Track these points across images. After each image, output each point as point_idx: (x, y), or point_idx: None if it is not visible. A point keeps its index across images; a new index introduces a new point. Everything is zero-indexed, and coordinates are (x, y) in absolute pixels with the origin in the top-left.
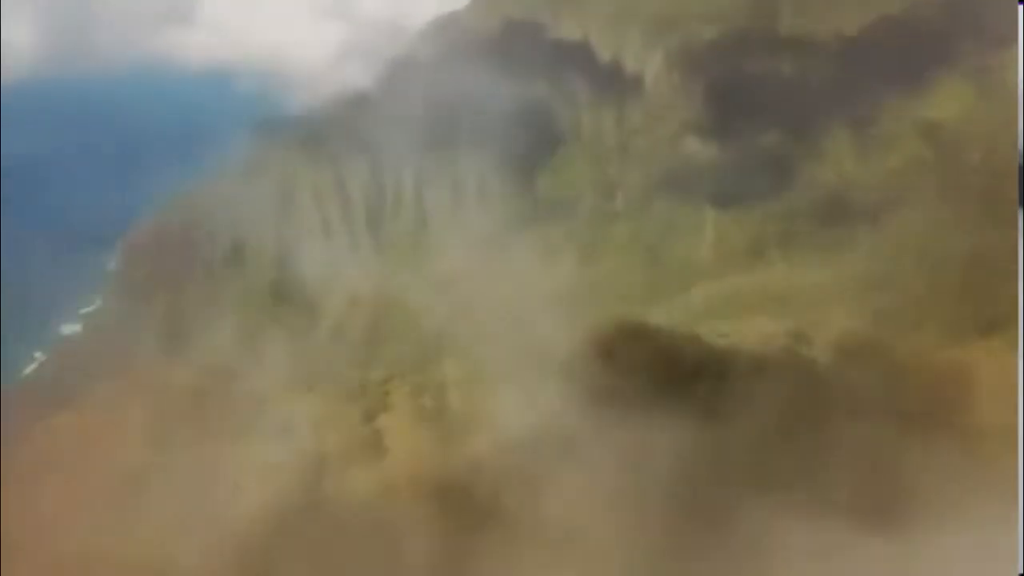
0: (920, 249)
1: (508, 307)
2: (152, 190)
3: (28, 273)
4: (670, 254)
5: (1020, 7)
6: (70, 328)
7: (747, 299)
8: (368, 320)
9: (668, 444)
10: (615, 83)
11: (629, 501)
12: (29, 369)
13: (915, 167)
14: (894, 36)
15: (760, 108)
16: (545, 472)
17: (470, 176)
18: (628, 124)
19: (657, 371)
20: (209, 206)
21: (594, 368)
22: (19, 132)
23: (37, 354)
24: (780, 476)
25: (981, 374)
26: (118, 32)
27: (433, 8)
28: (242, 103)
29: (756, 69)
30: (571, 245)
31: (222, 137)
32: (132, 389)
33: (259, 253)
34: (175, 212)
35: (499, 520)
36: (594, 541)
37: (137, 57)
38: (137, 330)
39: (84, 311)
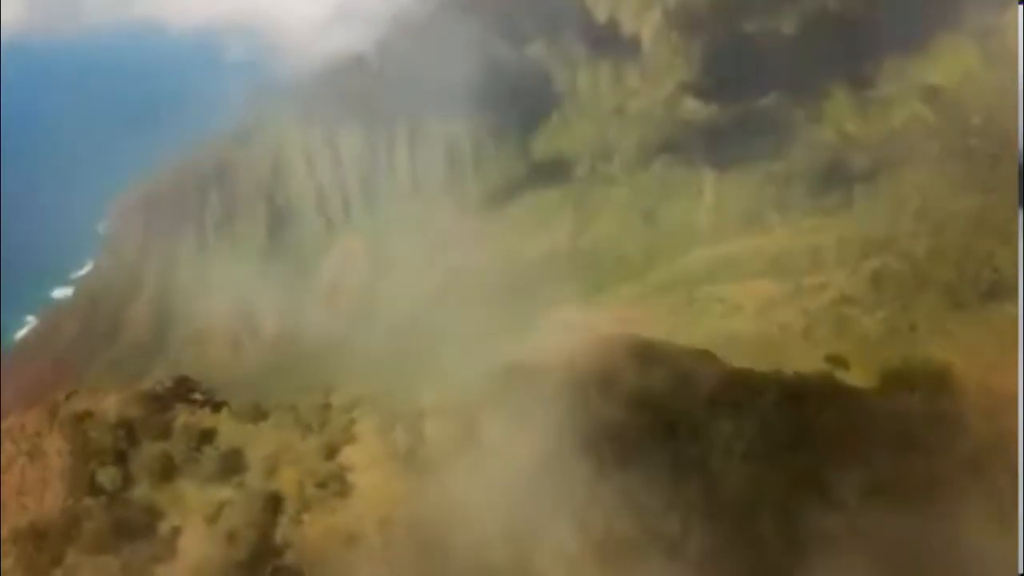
0: (920, 211)
1: (503, 271)
2: (143, 153)
3: (18, 237)
4: (668, 217)
5: (1020, 7)
6: (61, 292)
7: (746, 262)
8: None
9: (681, 492)
10: (612, 43)
11: (634, 559)
12: (21, 333)
13: (916, 128)
14: None
15: (759, 69)
16: (536, 519)
17: (464, 139)
18: (625, 85)
19: (668, 401)
20: (201, 170)
21: (594, 397)
22: (11, 96)
23: (29, 318)
24: (818, 536)
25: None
26: None
27: None
28: (234, 66)
29: (756, 29)
30: (567, 208)
31: (214, 100)
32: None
33: (251, 218)
34: (166, 176)
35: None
36: None
37: (130, 20)
38: (128, 294)
39: (75, 275)
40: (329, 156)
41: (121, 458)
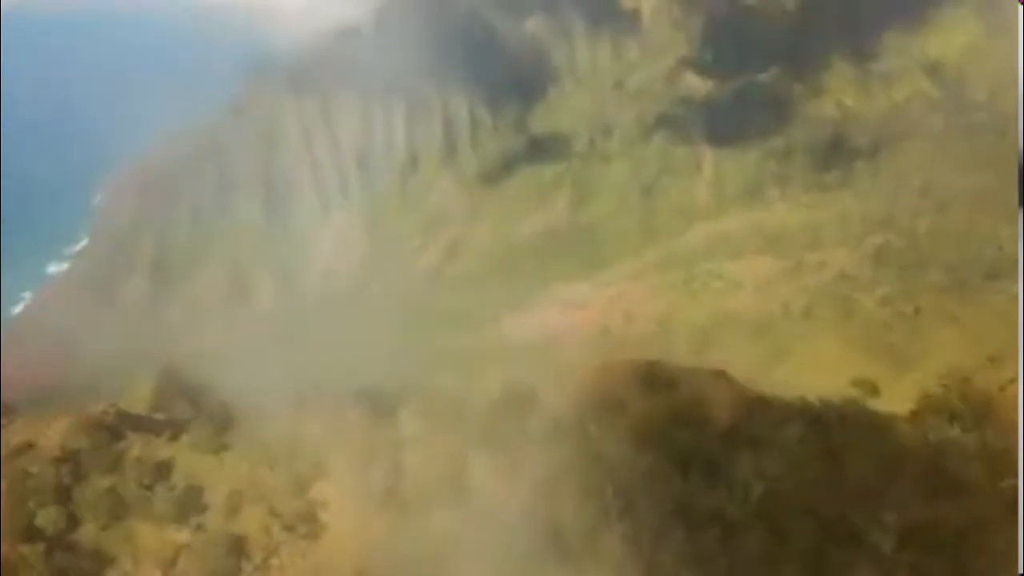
0: (922, 188)
1: (501, 247)
2: (138, 126)
3: (13, 212)
4: (666, 193)
5: (1020, 7)
6: (56, 267)
7: (745, 239)
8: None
9: (695, 542)
10: (612, 17)
11: None
12: (17, 309)
13: (918, 103)
14: None
15: (760, 43)
16: (528, 571)
17: (462, 113)
18: (624, 60)
19: (678, 435)
20: (195, 144)
21: (594, 430)
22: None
23: (24, 294)
24: None
25: None
26: None
27: None
28: (229, 38)
29: (756, 3)
30: (565, 185)
31: (208, 73)
32: None
33: (247, 193)
34: (160, 149)
35: None
36: None
37: None
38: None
39: (70, 250)
40: (324, 130)
41: (64, 496)
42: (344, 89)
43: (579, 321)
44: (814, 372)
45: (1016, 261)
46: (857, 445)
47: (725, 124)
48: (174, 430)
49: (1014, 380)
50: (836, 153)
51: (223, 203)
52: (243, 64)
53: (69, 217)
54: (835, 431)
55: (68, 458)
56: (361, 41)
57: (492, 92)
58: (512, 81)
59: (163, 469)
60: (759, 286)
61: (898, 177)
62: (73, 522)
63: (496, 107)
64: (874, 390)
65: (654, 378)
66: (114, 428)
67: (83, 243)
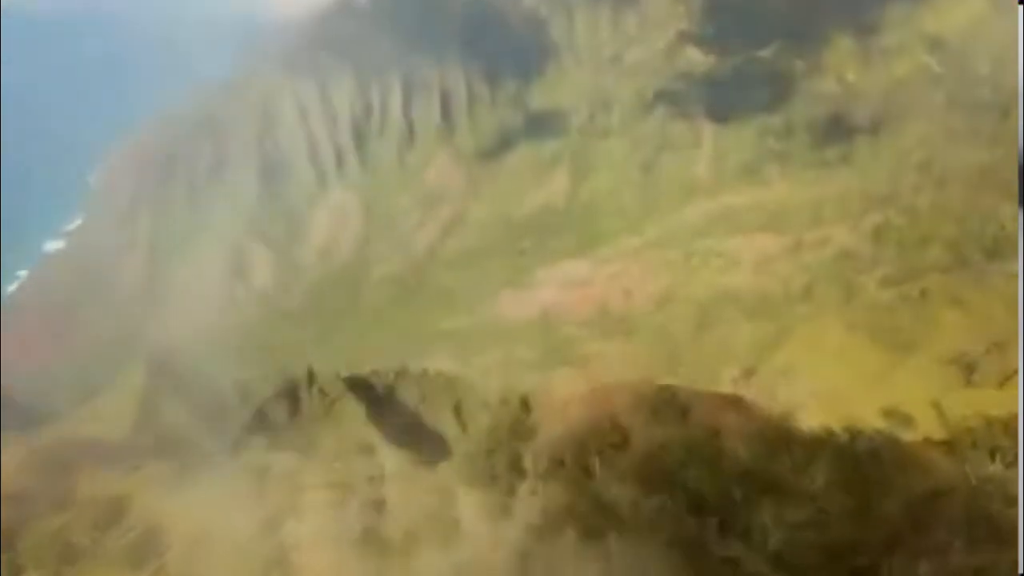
0: (924, 165)
1: (499, 225)
2: (134, 105)
3: (9, 190)
4: (666, 170)
5: (1020, 7)
6: (53, 245)
7: (745, 216)
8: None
9: None
10: None
11: None
12: (12, 287)
13: (920, 78)
14: None
15: (760, 18)
16: None
17: (459, 89)
18: (624, 34)
19: (690, 473)
20: (190, 120)
21: (596, 466)
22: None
23: (21, 272)
24: None
25: None
26: None
27: None
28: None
29: None
30: (564, 161)
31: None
32: None
33: (243, 170)
34: (157, 128)
35: None
36: None
37: None
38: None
39: (67, 228)
40: (320, 105)
41: (7, 542)
42: (340, 65)
43: (578, 299)
44: (816, 356)
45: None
46: (888, 484)
47: (725, 100)
48: (134, 461)
49: (1015, 373)
50: (836, 129)
51: (219, 181)
52: (238, 41)
53: (66, 195)
54: (864, 468)
55: (12, 497)
56: (357, 16)
57: (490, 67)
58: (510, 56)
59: (118, 507)
60: (759, 263)
61: (899, 154)
62: (16, 571)
63: (494, 82)
64: (906, 420)
65: (662, 404)
66: (65, 461)
67: (79, 221)
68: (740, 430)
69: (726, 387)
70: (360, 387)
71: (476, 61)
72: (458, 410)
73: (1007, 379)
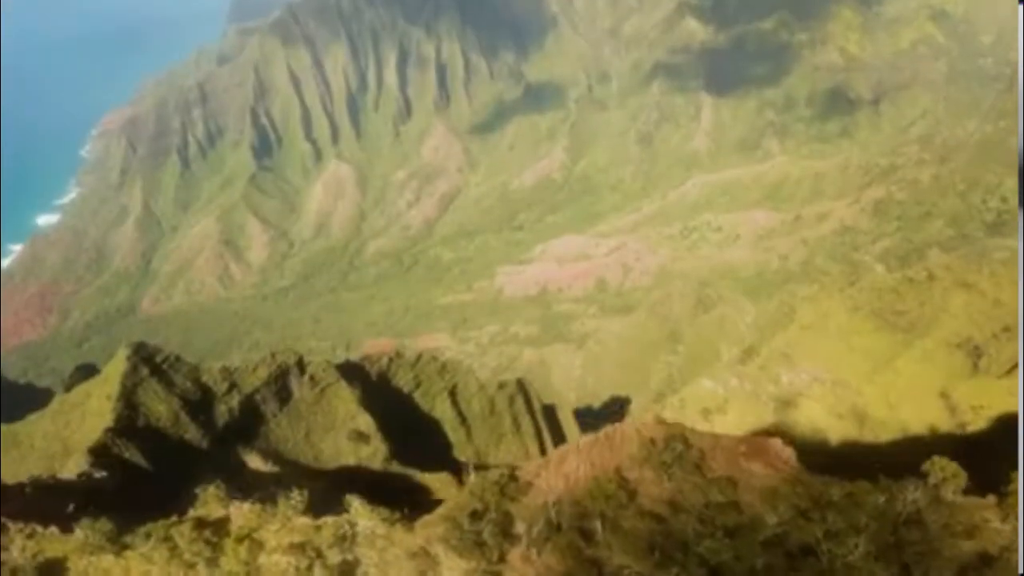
0: (925, 138)
1: (496, 199)
2: (127, 77)
3: (2, 163)
4: (665, 144)
5: (1020, 7)
6: (46, 219)
7: (744, 190)
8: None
9: None
10: None
11: None
12: (6, 263)
13: (923, 49)
14: None
15: None
16: None
17: (456, 60)
18: (622, 5)
19: (709, 542)
20: (183, 91)
21: (598, 528)
22: None
23: (14, 247)
24: None
25: None
26: None
27: None
28: None
29: None
30: (562, 134)
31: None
32: None
33: (236, 142)
34: (149, 99)
35: None
36: None
37: None
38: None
39: (60, 201)
40: (314, 76)
41: None
42: (334, 36)
43: (576, 274)
44: (819, 339)
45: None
46: (934, 551)
47: (724, 72)
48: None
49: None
50: (837, 102)
51: (212, 153)
52: (231, 11)
53: (59, 169)
54: (907, 534)
55: None
56: None
57: (487, 39)
58: (508, 27)
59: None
60: (758, 238)
61: (900, 127)
62: None
63: (491, 55)
64: (956, 474)
65: (674, 453)
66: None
67: (72, 194)
68: (764, 485)
69: (726, 368)
70: (353, 373)
71: (473, 33)
72: (454, 395)
73: (1015, 366)
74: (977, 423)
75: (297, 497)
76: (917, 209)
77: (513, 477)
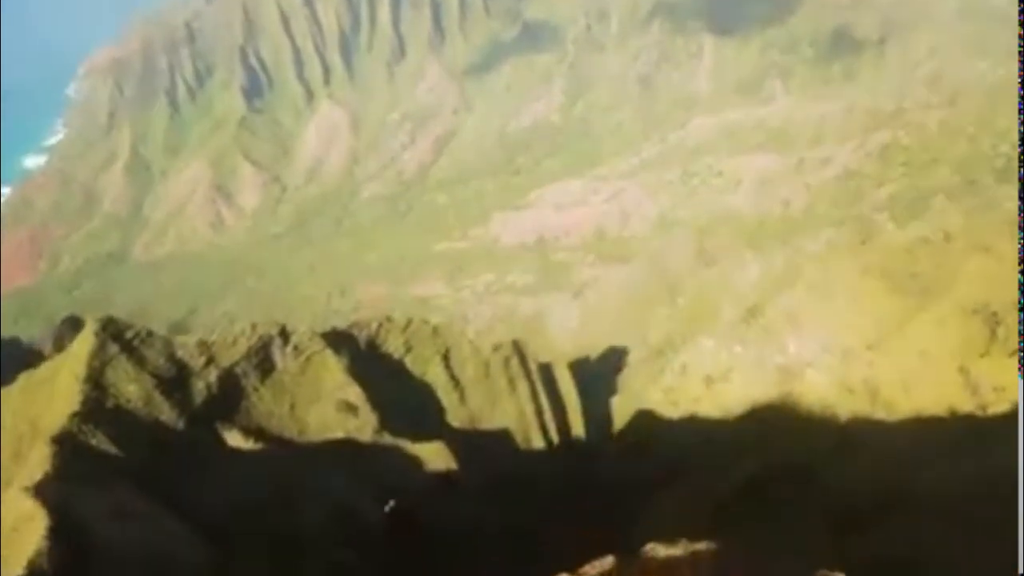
0: (933, 79)
1: (492, 142)
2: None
3: None
4: (665, 85)
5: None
6: (34, 161)
7: (746, 134)
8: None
9: None
10: None
11: None
12: None
13: None
14: None
15: None
16: None
17: None
18: None
19: None
20: (169, 29)
21: None
22: None
23: (3, 189)
24: None
25: None
26: None
27: None
28: None
29: None
30: (559, 75)
31: None
32: None
33: (225, 83)
34: (136, 37)
35: None
36: None
37: None
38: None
39: (48, 142)
40: (305, 15)
41: None
42: None
43: (574, 221)
44: (827, 301)
45: None
46: None
47: (726, 11)
48: None
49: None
50: (842, 42)
51: (201, 95)
52: None
53: (47, 109)
54: None
55: None
56: None
57: None
58: None
59: None
60: (760, 184)
61: (907, 67)
62: None
63: None
64: None
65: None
66: None
67: (60, 135)
68: None
69: (729, 329)
70: (340, 341)
71: None
72: (447, 359)
73: (1013, 354)
74: (1000, 405)
75: None
76: (924, 154)
77: None
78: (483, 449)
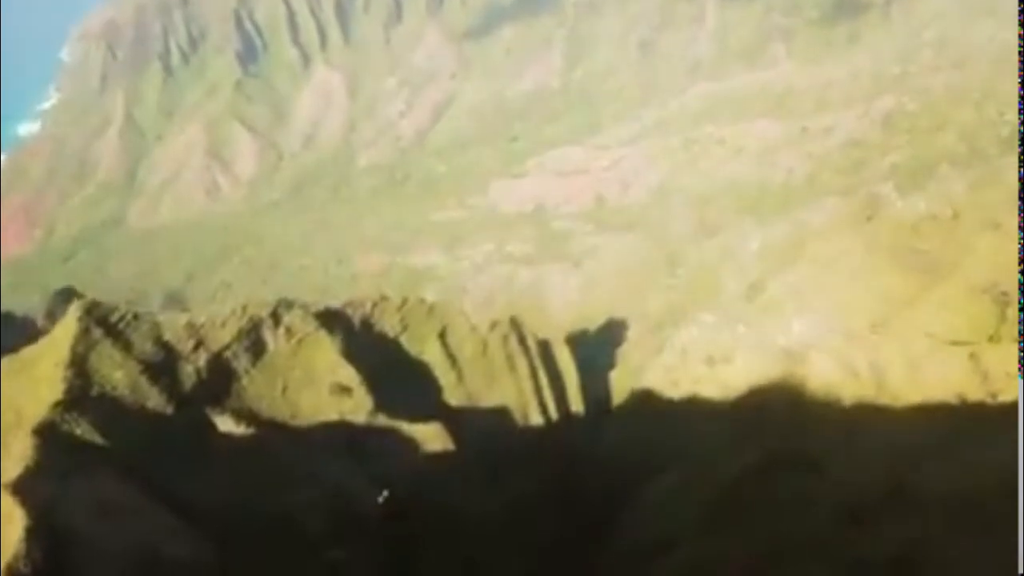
0: (938, 43)
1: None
2: None
3: None
4: (666, 49)
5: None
6: (27, 128)
7: (749, 100)
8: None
9: None
10: None
11: None
12: None
13: None
14: None
15: None
16: None
17: None
18: None
19: None
20: None
21: None
22: None
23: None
24: None
25: None
26: None
27: None
28: None
29: None
30: (559, 39)
31: None
32: None
33: (219, 46)
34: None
35: None
36: None
37: None
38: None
39: (41, 107)
40: None
41: None
42: None
43: (573, 190)
44: (832, 279)
45: None
46: None
47: None
48: None
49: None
50: (846, 4)
51: (195, 59)
52: None
53: (39, 74)
54: None
55: None
56: None
57: None
58: None
59: None
60: (762, 152)
61: (912, 30)
62: None
63: None
64: None
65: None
66: None
67: (53, 100)
68: None
69: (731, 304)
70: (334, 321)
71: None
72: (443, 337)
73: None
74: (1011, 392)
75: None
76: (928, 121)
77: None
78: (481, 429)
